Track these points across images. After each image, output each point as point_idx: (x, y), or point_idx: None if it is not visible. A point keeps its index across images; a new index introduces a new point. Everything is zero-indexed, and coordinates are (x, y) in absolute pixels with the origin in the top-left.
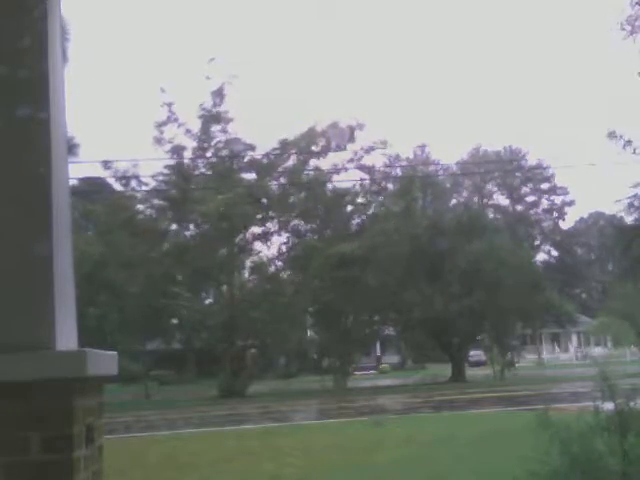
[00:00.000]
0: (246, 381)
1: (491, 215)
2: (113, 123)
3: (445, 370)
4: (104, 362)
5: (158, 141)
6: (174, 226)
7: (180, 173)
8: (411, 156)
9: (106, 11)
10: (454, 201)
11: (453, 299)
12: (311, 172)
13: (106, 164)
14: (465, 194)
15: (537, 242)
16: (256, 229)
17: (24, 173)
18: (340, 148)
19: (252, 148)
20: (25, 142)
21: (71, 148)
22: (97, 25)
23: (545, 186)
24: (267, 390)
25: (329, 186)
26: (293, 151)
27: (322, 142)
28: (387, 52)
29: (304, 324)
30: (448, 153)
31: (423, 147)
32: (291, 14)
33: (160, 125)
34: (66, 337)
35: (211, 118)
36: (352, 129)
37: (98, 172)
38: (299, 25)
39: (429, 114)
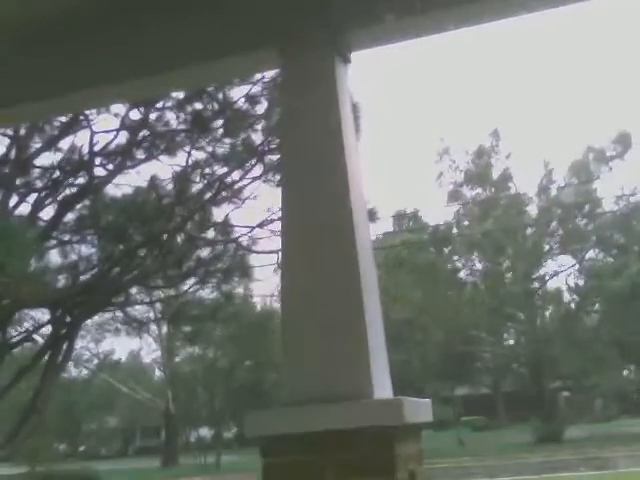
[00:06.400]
0: (561, 426)
1: None
2: (399, 178)
3: None
4: (420, 409)
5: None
6: (464, 272)
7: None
8: None
9: (383, 86)
10: None
11: None
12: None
13: (397, 219)
14: None
15: None
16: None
17: (335, 237)
18: None
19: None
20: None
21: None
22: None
23: None
24: (585, 435)
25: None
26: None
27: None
28: None
29: (618, 361)
30: None
31: None
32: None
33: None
34: (382, 386)
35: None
36: None
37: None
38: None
39: None
